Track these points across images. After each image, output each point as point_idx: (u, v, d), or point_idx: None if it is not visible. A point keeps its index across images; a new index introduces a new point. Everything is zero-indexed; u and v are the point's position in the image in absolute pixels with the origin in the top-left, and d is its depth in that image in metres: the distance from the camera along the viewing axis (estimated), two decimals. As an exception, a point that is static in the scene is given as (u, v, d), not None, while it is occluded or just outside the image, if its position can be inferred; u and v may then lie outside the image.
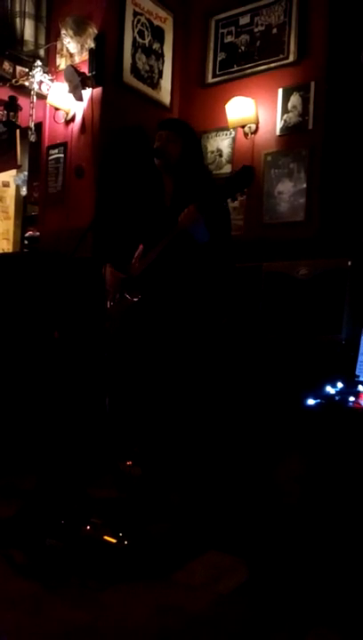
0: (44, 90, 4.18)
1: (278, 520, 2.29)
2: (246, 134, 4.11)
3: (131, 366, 2.58)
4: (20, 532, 2.20)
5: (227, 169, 4.19)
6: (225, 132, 4.24)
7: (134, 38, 4.14)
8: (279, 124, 3.97)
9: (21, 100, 4.37)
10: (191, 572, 2.09)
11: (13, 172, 4.88)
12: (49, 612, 1.78)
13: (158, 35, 4.33)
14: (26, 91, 4.23)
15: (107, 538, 2.08)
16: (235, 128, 4.15)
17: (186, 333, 2.48)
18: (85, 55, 3.98)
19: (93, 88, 3.96)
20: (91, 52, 3.94)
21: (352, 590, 1.94)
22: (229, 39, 4.29)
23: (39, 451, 3.00)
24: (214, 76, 4.37)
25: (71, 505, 2.28)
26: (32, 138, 4.21)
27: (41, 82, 4.15)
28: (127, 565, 2.03)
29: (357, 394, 2.42)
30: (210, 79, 4.39)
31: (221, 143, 4.26)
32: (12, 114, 4.40)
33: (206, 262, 2.48)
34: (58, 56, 4.25)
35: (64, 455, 2.93)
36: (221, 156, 4.24)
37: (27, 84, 4.18)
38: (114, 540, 2.07)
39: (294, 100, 3.89)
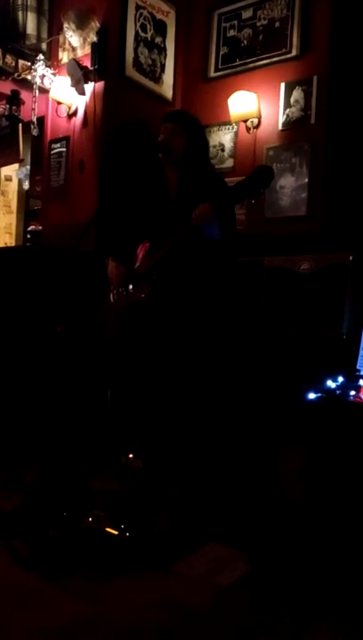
0: (47, 84, 4.18)
1: (279, 513, 2.30)
2: (248, 129, 4.11)
3: (133, 360, 2.59)
4: (22, 523, 2.21)
5: (229, 163, 4.20)
6: (227, 127, 4.24)
7: (137, 32, 4.13)
8: (282, 119, 3.97)
9: (24, 94, 4.38)
10: (192, 564, 2.09)
11: (16, 166, 4.89)
12: (51, 603, 1.78)
13: (161, 28, 4.33)
14: (28, 85, 4.24)
15: (109, 530, 2.09)
16: (237, 122, 4.15)
17: (189, 327, 2.48)
18: (88, 49, 3.99)
19: (96, 82, 3.97)
20: (93, 45, 3.95)
21: (354, 583, 1.94)
22: (231, 33, 4.28)
23: (42, 444, 3.02)
24: (217, 70, 4.37)
25: (73, 497, 2.29)
26: (34, 132, 4.22)
27: (43, 76, 4.16)
28: (129, 557, 2.04)
29: (358, 388, 2.42)
30: (212, 73, 4.39)
31: (224, 137, 4.26)
32: (14, 108, 4.41)
33: (214, 258, 2.48)
34: (60, 50, 4.26)
35: (66, 448, 2.94)
36: (223, 150, 4.24)
37: (29, 77, 4.19)
38: (116, 532, 2.08)
39: (297, 94, 3.89)
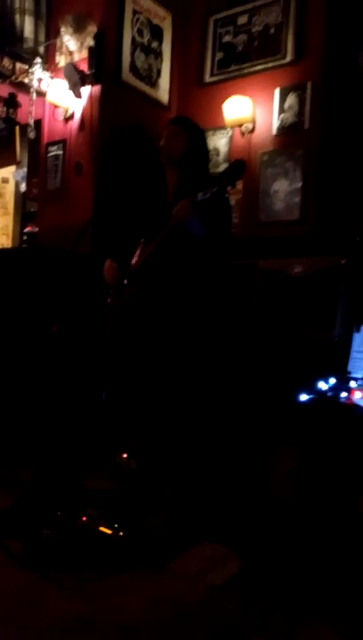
0: (44, 87, 4.19)
1: (271, 513, 2.32)
2: (242, 133, 4.14)
3: (128, 360, 2.60)
4: (17, 522, 2.21)
5: (223, 168, 4.20)
6: (222, 132, 4.26)
7: (133, 37, 4.15)
8: (276, 124, 4.00)
9: (21, 97, 4.39)
10: (185, 563, 2.10)
11: (13, 168, 4.90)
12: (45, 602, 1.78)
13: (157, 33, 4.35)
14: (25, 88, 4.25)
15: (103, 529, 2.10)
16: (232, 127, 4.18)
17: (181, 328, 2.49)
18: (85, 53, 4.00)
19: (92, 86, 3.98)
20: (90, 49, 3.96)
21: (345, 582, 1.95)
22: (227, 39, 4.31)
23: (37, 443, 3.03)
24: (212, 75, 4.39)
25: (68, 496, 2.29)
26: (31, 135, 4.23)
27: (40, 79, 4.17)
28: (123, 556, 2.04)
29: (349, 390, 2.45)
30: (208, 78, 4.41)
31: (218, 142, 4.28)
32: (11, 110, 4.42)
33: (201, 256, 2.49)
34: (57, 53, 4.26)
35: (61, 447, 2.94)
36: (217, 155, 4.25)
37: (26, 81, 4.20)
38: (110, 531, 2.09)
39: (291, 100, 3.92)
